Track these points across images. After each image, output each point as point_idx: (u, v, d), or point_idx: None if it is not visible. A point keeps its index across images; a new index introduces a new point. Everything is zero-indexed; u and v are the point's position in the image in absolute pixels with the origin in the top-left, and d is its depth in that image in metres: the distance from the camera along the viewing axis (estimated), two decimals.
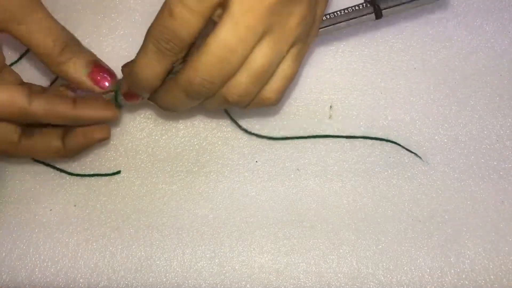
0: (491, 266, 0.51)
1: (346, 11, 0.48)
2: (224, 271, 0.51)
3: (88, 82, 0.46)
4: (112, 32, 0.55)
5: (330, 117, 0.54)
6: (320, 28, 0.47)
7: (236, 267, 0.51)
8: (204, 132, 0.54)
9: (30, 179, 0.53)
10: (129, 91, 0.47)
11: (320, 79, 0.55)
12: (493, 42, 0.56)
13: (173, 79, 0.43)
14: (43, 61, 0.45)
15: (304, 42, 0.44)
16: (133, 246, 0.52)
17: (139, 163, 0.53)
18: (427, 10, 0.56)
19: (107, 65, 0.47)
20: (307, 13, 0.42)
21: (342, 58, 0.55)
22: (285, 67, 0.44)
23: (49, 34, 0.44)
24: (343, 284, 0.51)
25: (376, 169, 0.53)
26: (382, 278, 0.51)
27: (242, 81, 0.42)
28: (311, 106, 0.55)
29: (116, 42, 0.55)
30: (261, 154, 0.54)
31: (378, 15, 0.48)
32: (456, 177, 0.53)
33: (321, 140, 0.54)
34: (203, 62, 0.41)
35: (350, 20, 0.48)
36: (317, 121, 0.54)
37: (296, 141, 0.54)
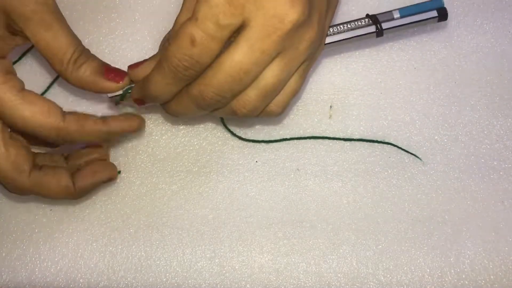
0: (491, 266, 0.51)
1: (348, 26, 0.48)
2: (224, 271, 0.51)
3: (102, 82, 0.46)
4: (112, 32, 0.55)
5: (330, 117, 0.54)
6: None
7: (236, 267, 0.51)
8: (204, 132, 0.54)
9: None
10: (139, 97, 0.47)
11: (320, 79, 0.55)
12: (493, 42, 0.56)
13: (185, 90, 0.44)
14: (56, 68, 0.45)
15: (311, 59, 0.45)
16: (133, 246, 0.52)
17: (139, 163, 0.53)
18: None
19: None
20: (316, 37, 0.43)
21: (342, 58, 0.55)
22: (292, 83, 0.45)
23: (66, 44, 0.44)
24: (343, 284, 0.51)
25: (376, 169, 0.53)
26: (382, 278, 0.51)
27: (252, 97, 0.44)
28: (311, 106, 0.55)
29: (116, 42, 0.55)
30: (261, 154, 0.54)
31: (380, 34, 0.49)
32: (456, 177, 0.53)
33: (321, 140, 0.54)
34: (216, 78, 0.42)
35: (352, 38, 0.49)
36: (316, 121, 0.54)
37: (296, 141, 0.54)
